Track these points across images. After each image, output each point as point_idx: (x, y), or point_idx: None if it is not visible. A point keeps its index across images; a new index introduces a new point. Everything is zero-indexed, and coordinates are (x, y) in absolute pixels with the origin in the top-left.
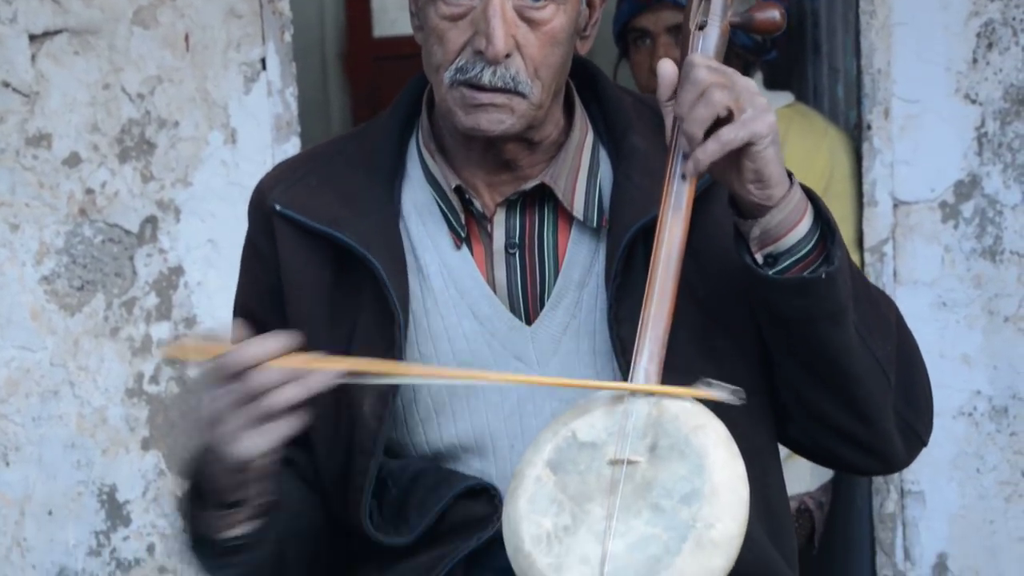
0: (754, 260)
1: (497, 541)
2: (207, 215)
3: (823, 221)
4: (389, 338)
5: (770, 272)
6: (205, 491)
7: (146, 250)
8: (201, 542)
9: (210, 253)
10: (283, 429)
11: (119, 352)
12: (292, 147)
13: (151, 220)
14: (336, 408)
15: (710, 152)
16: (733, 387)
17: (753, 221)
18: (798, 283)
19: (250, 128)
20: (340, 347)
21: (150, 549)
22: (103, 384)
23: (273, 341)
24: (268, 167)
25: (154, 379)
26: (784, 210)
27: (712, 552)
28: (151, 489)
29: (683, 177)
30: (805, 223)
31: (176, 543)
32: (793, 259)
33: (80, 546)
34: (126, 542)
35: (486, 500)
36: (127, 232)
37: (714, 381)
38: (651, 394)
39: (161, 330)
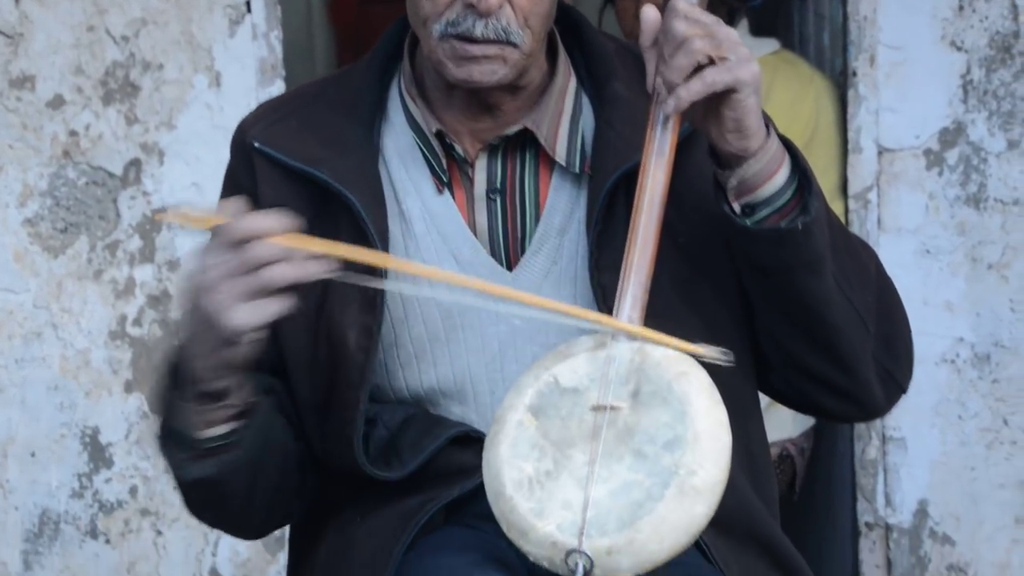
0: (732, 210)
1: (479, 489)
2: (191, 158)
3: (800, 171)
4: (368, 273)
5: (748, 222)
6: (187, 380)
7: (130, 193)
8: (176, 438)
9: (194, 196)
10: (275, 307)
11: (102, 294)
12: (277, 90)
13: (135, 163)
14: (315, 340)
15: (693, 91)
16: (723, 349)
17: (731, 171)
18: (775, 233)
19: (235, 71)
20: (318, 286)
21: (132, 491)
22: (86, 326)
23: (276, 218)
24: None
25: (137, 322)
26: (761, 160)
27: (694, 499)
28: (134, 431)
29: (665, 120)
30: (782, 174)
31: (156, 467)
32: (770, 209)
33: (63, 488)
34: (108, 484)
35: (475, 451)
36: (111, 175)
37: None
38: (639, 337)
39: (144, 273)
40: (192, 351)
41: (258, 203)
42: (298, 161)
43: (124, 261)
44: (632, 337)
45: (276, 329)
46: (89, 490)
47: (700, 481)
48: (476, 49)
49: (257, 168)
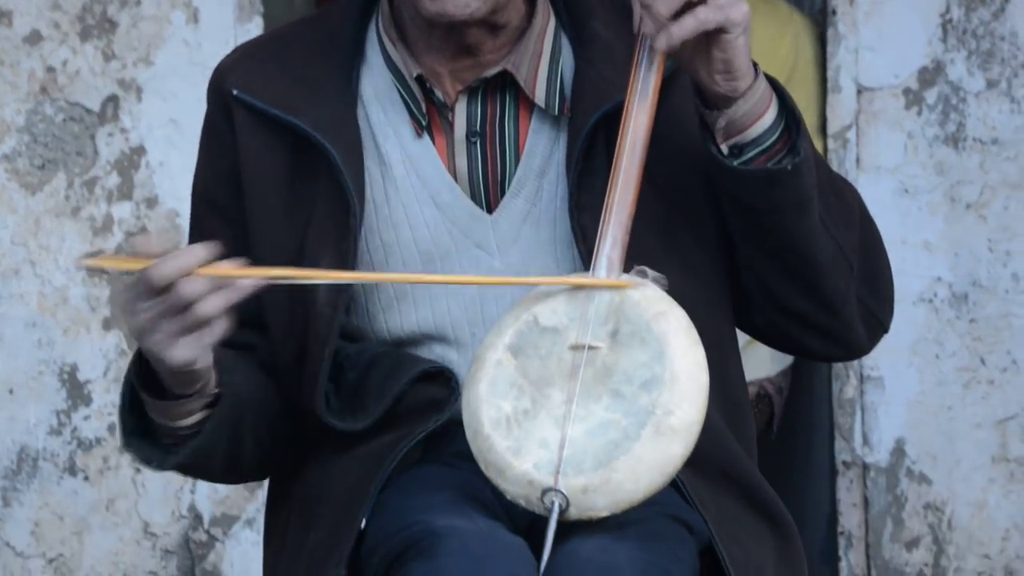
0: (719, 151)
1: (455, 424)
2: (169, 95)
3: (788, 112)
4: (344, 227)
5: (735, 163)
6: (154, 384)
7: (107, 129)
8: (147, 430)
9: (172, 133)
10: (213, 335)
11: (80, 232)
12: (255, 27)
13: (112, 99)
14: (291, 297)
15: (686, 28)
16: (657, 273)
17: (718, 112)
18: (763, 174)
19: (212, 7)
20: (297, 235)
21: (111, 428)
22: (64, 264)
23: (196, 250)
24: (230, 47)
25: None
26: (749, 101)
27: (671, 438)
28: (112, 369)
29: (650, 61)
30: (770, 114)
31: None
32: (758, 150)
33: (41, 425)
34: (87, 421)
35: (442, 383)
36: (88, 111)
37: (647, 269)
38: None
39: (123, 210)
40: (155, 367)
41: (235, 150)
42: (277, 109)
43: (102, 198)
44: (612, 275)
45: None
46: (67, 427)
47: (677, 421)
48: None
49: (235, 115)
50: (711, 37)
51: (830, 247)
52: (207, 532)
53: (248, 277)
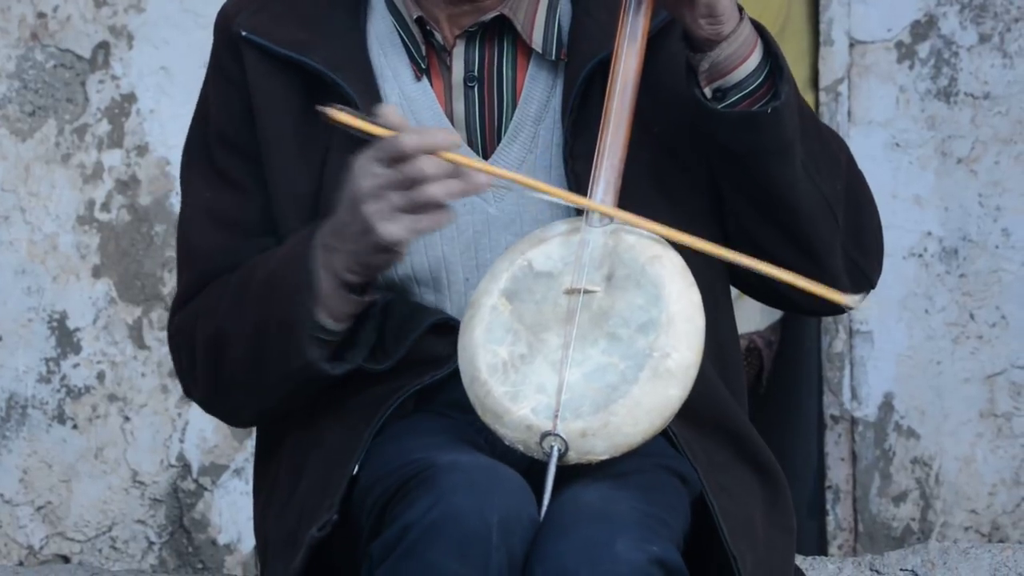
0: (703, 94)
1: (450, 377)
2: (160, 42)
3: (772, 57)
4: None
5: (719, 106)
6: (325, 269)
7: (98, 76)
8: (295, 329)
9: (163, 80)
10: (430, 223)
11: (70, 179)
12: None
13: (103, 46)
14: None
15: None
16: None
17: (703, 55)
18: (745, 117)
19: None
20: (312, 172)
21: (100, 376)
22: (54, 210)
23: (443, 133)
24: None
25: (105, 207)
26: (733, 44)
27: (669, 381)
28: (101, 317)
29: (638, 4)
30: (754, 58)
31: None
32: (742, 94)
33: (30, 372)
34: (76, 369)
35: (447, 341)
36: (79, 57)
37: None
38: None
39: (113, 158)
40: (339, 243)
41: (247, 92)
42: (288, 49)
43: (92, 145)
44: (606, 218)
45: (275, 220)
46: (56, 375)
47: (674, 363)
48: None
49: (245, 57)
50: None
51: (813, 194)
52: (195, 481)
53: (487, 173)
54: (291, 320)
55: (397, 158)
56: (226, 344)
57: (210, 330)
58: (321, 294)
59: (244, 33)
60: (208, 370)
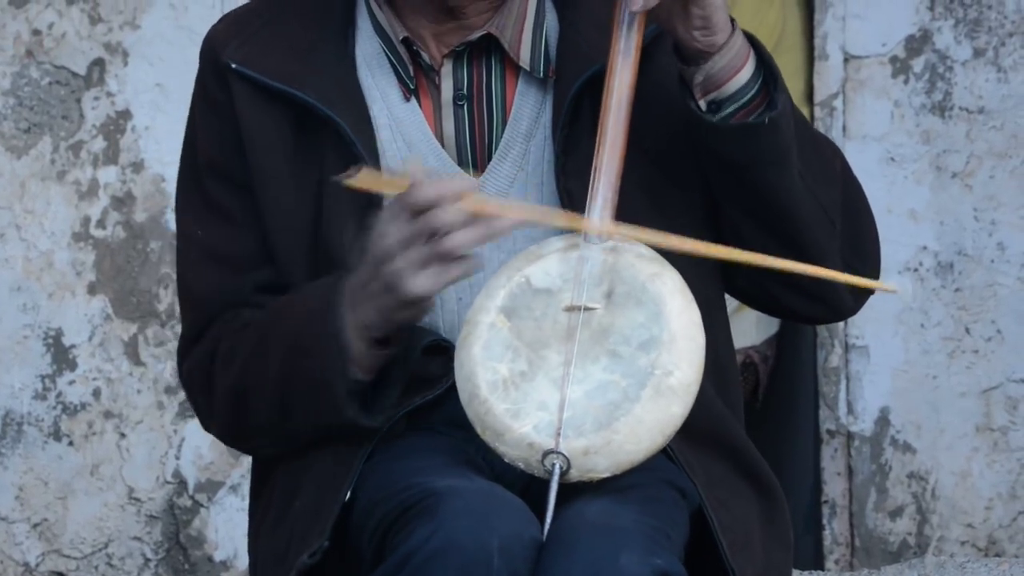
0: (698, 106)
1: (443, 396)
2: (155, 59)
3: (766, 67)
4: (364, 197)
5: (714, 118)
6: (352, 326)
7: (93, 93)
8: (322, 387)
9: (158, 97)
10: (457, 272)
11: (66, 196)
12: None
13: (99, 63)
14: (314, 262)
15: None
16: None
17: (696, 67)
18: (741, 128)
19: None
20: (308, 201)
21: (96, 393)
22: (50, 228)
23: (459, 181)
24: (217, 11)
25: (101, 223)
26: (726, 56)
27: (671, 399)
28: (97, 334)
29: (631, 20)
30: (747, 69)
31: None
32: (736, 105)
33: (26, 390)
34: (72, 386)
35: (441, 362)
36: (74, 74)
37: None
38: (613, 237)
39: (108, 174)
40: (363, 301)
41: (236, 123)
42: (278, 81)
43: (88, 162)
44: (605, 238)
45: (272, 251)
46: (52, 392)
47: (676, 381)
48: None
49: (233, 86)
50: None
51: (810, 203)
52: (192, 498)
53: (509, 216)
54: (324, 381)
55: (417, 211)
56: (249, 396)
57: (229, 380)
58: (352, 353)
59: (234, 66)
60: (230, 418)
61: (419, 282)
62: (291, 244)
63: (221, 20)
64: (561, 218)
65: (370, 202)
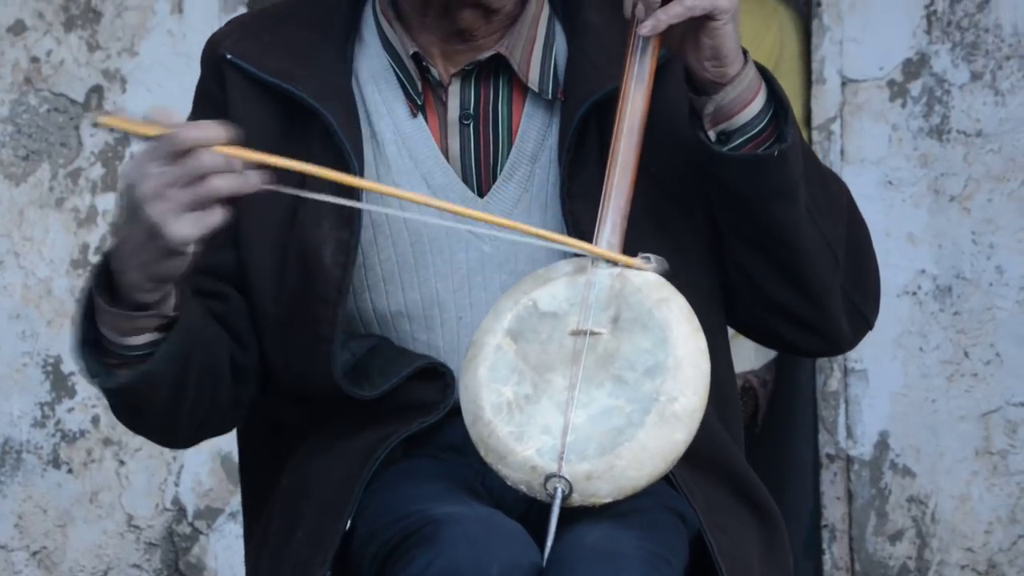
0: (707, 137)
1: (441, 422)
2: (154, 85)
3: (776, 100)
4: (345, 191)
5: (723, 149)
6: (117, 286)
7: (92, 120)
8: (96, 344)
9: None
10: (217, 218)
11: (64, 223)
12: None
13: (97, 90)
14: (284, 254)
15: (673, 14)
16: (660, 257)
17: (707, 98)
18: (750, 160)
19: None
20: (288, 203)
21: (95, 421)
22: (48, 255)
23: (218, 127)
24: None
25: (100, 250)
26: (738, 87)
27: (675, 425)
28: None
29: (644, 46)
30: (758, 101)
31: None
32: (746, 137)
33: (24, 417)
34: (71, 414)
35: (439, 387)
36: (73, 102)
37: (652, 256)
38: (618, 263)
39: (107, 201)
40: (127, 259)
41: (228, 114)
42: (271, 75)
43: (86, 189)
44: (611, 263)
45: (241, 238)
46: (51, 419)
47: (680, 408)
48: None
49: (228, 80)
50: (700, 23)
51: (815, 237)
52: (191, 525)
53: (265, 162)
54: (81, 352)
55: (175, 154)
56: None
57: None
58: (100, 322)
59: (229, 56)
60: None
61: (180, 226)
62: (263, 234)
63: (226, 23)
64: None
65: (349, 207)
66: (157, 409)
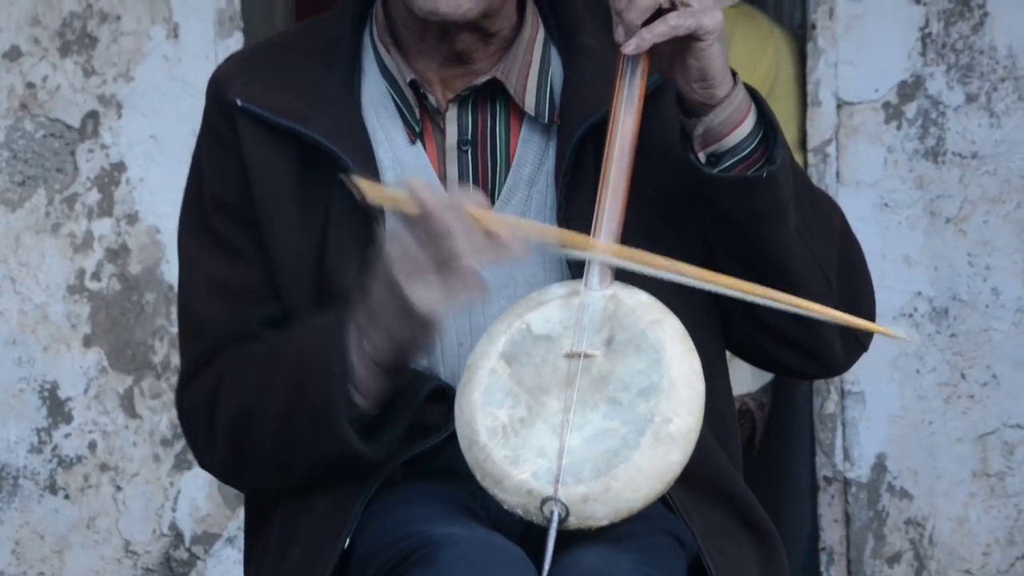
0: (697, 159)
1: (441, 444)
2: (149, 111)
3: (766, 122)
4: (366, 235)
5: (713, 171)
6: (361, 350)
7: (88, 145)
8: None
9: (152, 149)
10: (465, 285)
11: (60, 248)
12: (235, 42)
13: (93, 115)
14: (318, 294)
15: (656, 32)
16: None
17: (697, 119)
18: (739, 181)
19: (192, 22)
20: (314, 240)
21: (92, 446)
22: (44, 280)
23: (472, 194)
24: (211, 62)
25: (96, 276)
26: (727, 109)
27: (670, 446)
28: (93, 386)
29: (634, 68)
30: (748, 123)
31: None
32: (735, 159)
33: (21, 443)
34: (68, 439)
35: (442, 410)
36: (68, 127)
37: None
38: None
39: (103, 227)
40: (369, 327)
41: (242, 160)
42: (284, 118)
43: (82, 215)
44: (604, 282)
45: (278, 283)
46: (48, 445)
47: (676, 429)
48: None
49: (239, 123)
50: (686, 45)
51: (807, 259)
52: (188, 550)
53: (519, 234)
54: (327, 406)
55: (422, 217)
56: (252, 425)
57: (232, 411)
58: (356, 378)
59: (240, 103)
60: (231, 451)
61: (424, 292)
62: (295, 280)
63: (227, 60)
64: (571, 238)
65: (373, 240)
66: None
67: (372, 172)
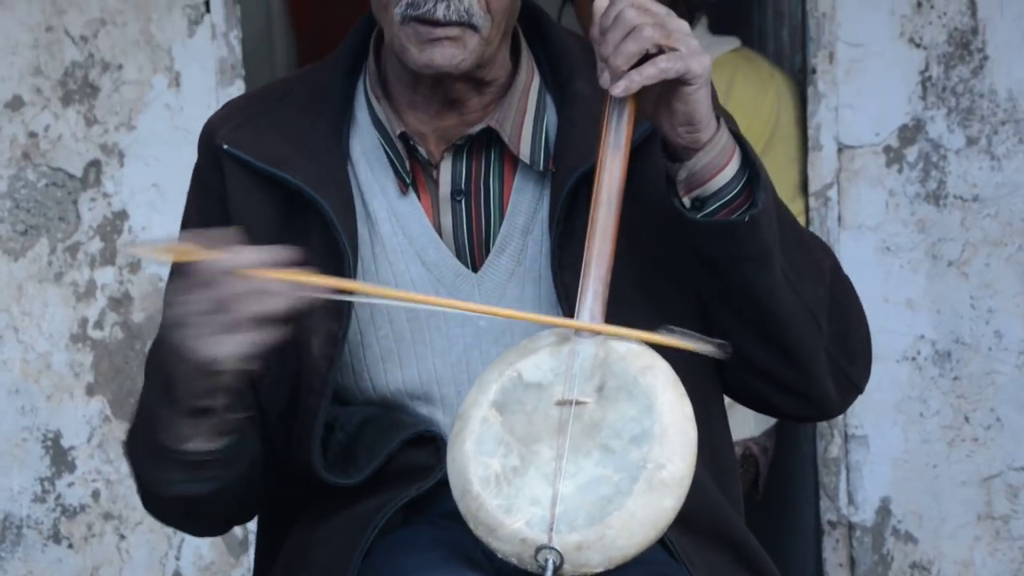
0: (681, 203)
1: (440, 485)
2: (151, 159)
3: (750, 166)
4: (339, 291)
5: (697, 216)
6: (174, 394)
7: (90, 194)
8: (162, 452)
9: (154, 198)
10: (253, 340)
11: (63, 297)
12: (236, 90)
13: (95, 164)
14: (282, 346)
15: (646, 75)
16: (719, 341)
17: (680, 164)
18: (722, 225)
19: (194, 71)
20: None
21: (95, 495)
22: (47, 329)
23: (253, 252)
24: (213, 111)
25: (99, 324)
26: (710, 153)
27: (663, 493)
28: (96, 435)
29: (620, 114)
30: (731, 167)
31: (125, 466)
32: (720, 203)
33: (25, 492)
34: (71, 488)
35: (431, 451)
36: (71, 176)
37: (693, 332)
38: (602, 334)
39: (105, 275)
40: (176, 372)
41: (225, 204)
42: (268, 164)
43: (85, 263)
44: (595, 334)
45: None
46: (51, 494)
47: (668, 475)
48: (439, 31)
49: (226, 169)
50: (673, 89)
51: (794, 303)
52: None
53: (297, 284)
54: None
55: (200, 285)
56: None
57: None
58: (184, 441)
59: (225, 146)
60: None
61: (213, 348)
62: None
63: (222, 107)
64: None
65: (345, 294)
66: (205, 509)
67: (350, 218)
